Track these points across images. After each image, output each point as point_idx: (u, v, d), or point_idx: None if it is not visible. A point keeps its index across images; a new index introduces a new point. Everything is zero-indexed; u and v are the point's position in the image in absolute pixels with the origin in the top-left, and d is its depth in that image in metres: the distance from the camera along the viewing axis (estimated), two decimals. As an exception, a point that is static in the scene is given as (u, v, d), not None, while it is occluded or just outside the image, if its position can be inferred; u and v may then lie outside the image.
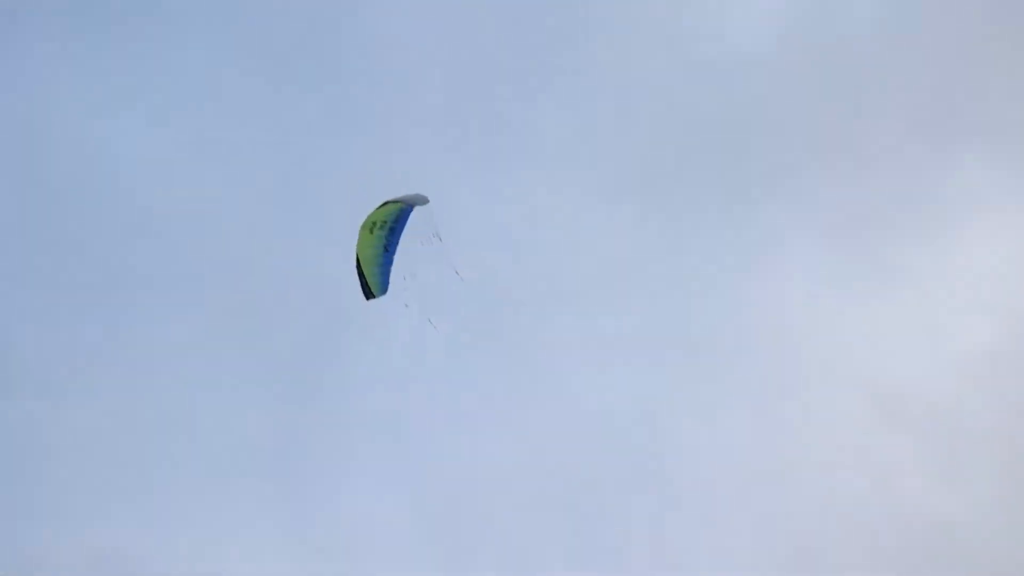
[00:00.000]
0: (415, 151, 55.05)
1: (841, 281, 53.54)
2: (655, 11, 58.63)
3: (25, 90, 58.00)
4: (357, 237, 40.51)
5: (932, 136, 55.85)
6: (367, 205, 41.88)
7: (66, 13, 58.38)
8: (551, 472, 49.85)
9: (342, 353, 52.85)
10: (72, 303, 53.84)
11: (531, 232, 54.85)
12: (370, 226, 40.48)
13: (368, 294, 40.34)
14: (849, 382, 51.39)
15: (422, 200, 40.32)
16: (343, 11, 59.28)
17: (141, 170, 56.76)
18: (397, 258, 40.53)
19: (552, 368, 52.38)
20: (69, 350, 52.95)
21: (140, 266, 54.62)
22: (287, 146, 57.22)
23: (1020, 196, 54.28)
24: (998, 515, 47.99)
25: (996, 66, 56.66)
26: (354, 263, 40.43)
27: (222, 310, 53.99)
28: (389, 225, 40.40)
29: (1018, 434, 49.46)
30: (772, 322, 52.74)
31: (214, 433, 51.13)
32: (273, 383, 52.32)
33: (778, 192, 55.16)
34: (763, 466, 49.35)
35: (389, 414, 51.08)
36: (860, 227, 54.57)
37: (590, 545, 48.46)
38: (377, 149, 55.82)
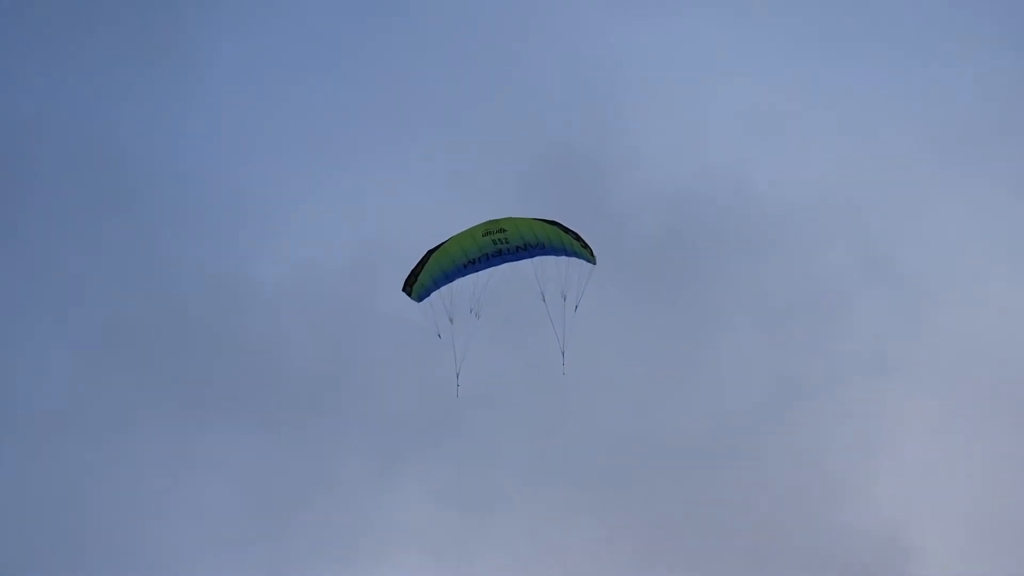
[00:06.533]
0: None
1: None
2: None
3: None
4: (463, 230, 32.60)
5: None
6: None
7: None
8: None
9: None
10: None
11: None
12: (494, 229, 32.63)
13: (407, 288, 33.27)
14: None
15: (592, 258, 32.91)
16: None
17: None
18: (482, 282, 32.88)
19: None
20: None
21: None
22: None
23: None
24: None
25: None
26: (426, 248, 32.99)
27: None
28: (516, 245, 32.48)
29: None
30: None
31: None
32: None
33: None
34: None
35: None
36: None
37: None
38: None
